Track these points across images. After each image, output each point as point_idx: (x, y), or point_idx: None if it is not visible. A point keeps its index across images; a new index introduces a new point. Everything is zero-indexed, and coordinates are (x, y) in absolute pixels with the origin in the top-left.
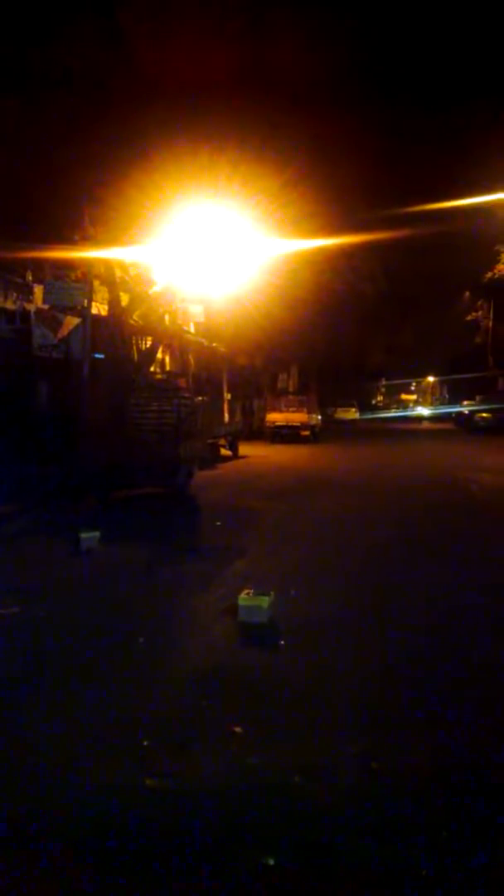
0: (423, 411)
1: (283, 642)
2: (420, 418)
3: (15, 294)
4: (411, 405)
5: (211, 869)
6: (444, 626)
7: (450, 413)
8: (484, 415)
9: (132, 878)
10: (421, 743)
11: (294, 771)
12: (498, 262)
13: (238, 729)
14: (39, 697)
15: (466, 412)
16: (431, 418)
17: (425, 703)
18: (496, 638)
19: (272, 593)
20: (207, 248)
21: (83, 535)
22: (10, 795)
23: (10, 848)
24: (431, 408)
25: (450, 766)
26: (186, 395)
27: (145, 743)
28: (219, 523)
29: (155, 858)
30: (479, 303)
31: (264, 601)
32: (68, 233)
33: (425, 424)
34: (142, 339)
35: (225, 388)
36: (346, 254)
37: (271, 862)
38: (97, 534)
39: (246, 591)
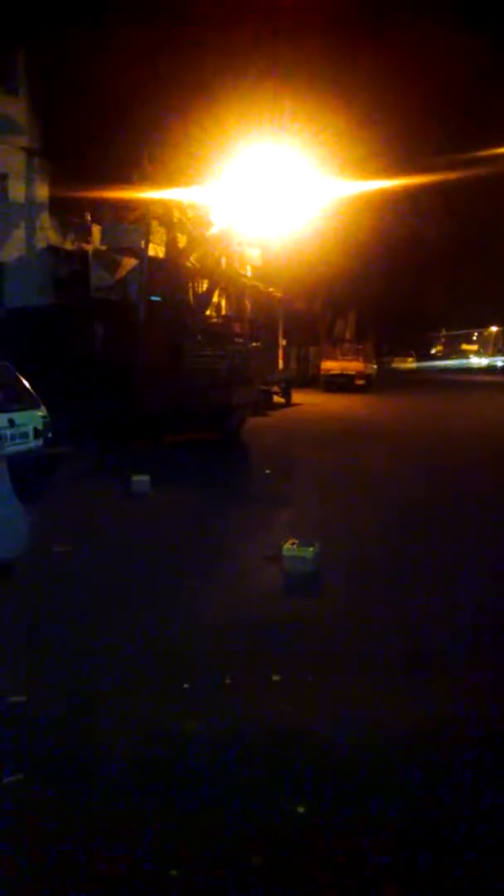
0: (482, 362)
1: (326, 592)
2: (478, 369)
3: (73, 235)
4: (472, 355)
5: (240, 809)
6: (483, 581)
7: None
8: None
9: (168, 812)
10: (458, 696)
11: (329, 719)
12: None
13: (276, 677)
14: (87, 635)
15: None
16: (491, 369)
17: (467, 653)
18: None
19: (316, 544)
20: (267, 190)
21: (135, 479)
22: (60, 727)
23: (60, 776)
24: (492, 358)
25: (488, 725)
26: (240, 340)
27: (185, 685)
28: (268, 471)
29: (185, 796)
30: None
31: (309, 552)
32: (127, 172)
33: (484, 376)
34: (198, 282)
35: (280, 333)
36: (410, 196)
37: (301, 810)
38: (147, 477)
39: (291, 541)
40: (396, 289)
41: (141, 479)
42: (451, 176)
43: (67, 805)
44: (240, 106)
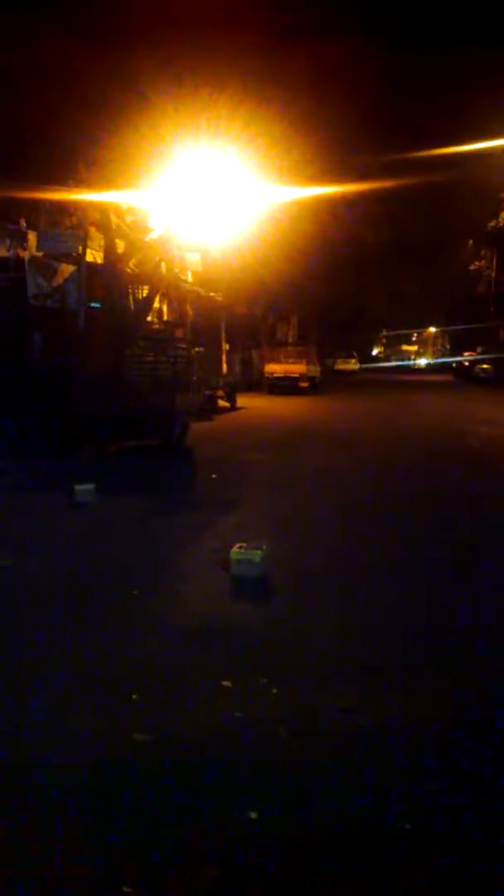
0: (423, 362)
1: (274, 595)
2: (419, 369)
3: (9, 241)
4: (412, 356)
5: (197, 822)
6: (432, 579)
7: (450, 364)
8: (484, 366)
9: (120, 830)
10: (408, 695)
11: (281, 725)
12: (502, 210)
13: (227, 683)
14: (30, 650)
15: (467, 363)
16: (431, 369)
17: (413, 655)
18: (479, 584)
19: (264, 547)
20: (205, 195)
21: (78, 488)
22: (3, 743)
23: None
24: (432, 358)
25: (437, 718)
26: (183, 345)
27: (134, 697)
28: (214, 476)
29: (143, 811)
30: (483, 252)
31: (257, 555)
32: (62, 176)
33: (424, 375)
34: (138, 288)
35: (223, 338)
36: (348, 200)
37: (253, 815)
38: (92, 486)
39: (239, 545)
40: (337, 291)
41: (85, 489)
42: (388, 181)
43: (8, 824)
44: (177, 110)
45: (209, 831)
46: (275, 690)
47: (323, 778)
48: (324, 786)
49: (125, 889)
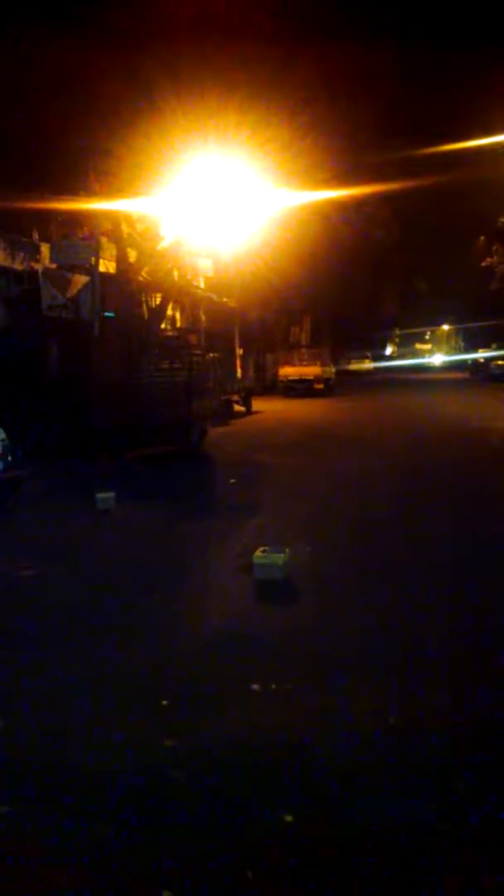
0: (437, 360)
1: (298, 599)
2: (433, 367)
3: (22, 254)
4: (427, 354)
5: (227, 825)
6: (454, 581)
7: (465, 361)
8: (500, 362)
9: (150, 832)
10: (433, 698)
11: (309, 728)
12: None
13: (255, 686)
14: (59, 657)
15: (482, 360)
16: (446, 367)
17: (436, 658)
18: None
19: (287, 551)
20: (216, 201)
21: (99, 496)
22: (36, 752)
23: (36, 801)
24: (446, 356)
25: (462, 722)
26: (198, 352)
27: (164, 702)
28: (233, 481)
29: (172, 814)
30: (494, 248)
31: (279, 559)
32: (73, 187)
33: (440, 374)
34: (151, 296)
35: (237, 343)
36: (358, 202)
37: (289, 818)
38: (113, 494)
39: (261, 549)
40: (349, 292)
41: (106, 497)
42: (397, 181)
43: (56, 830)
44: (185, 118)
45: (243, 833)
46: (302, 693)
47: (355, 778)
48: (356, 786)
49: (165, 893)
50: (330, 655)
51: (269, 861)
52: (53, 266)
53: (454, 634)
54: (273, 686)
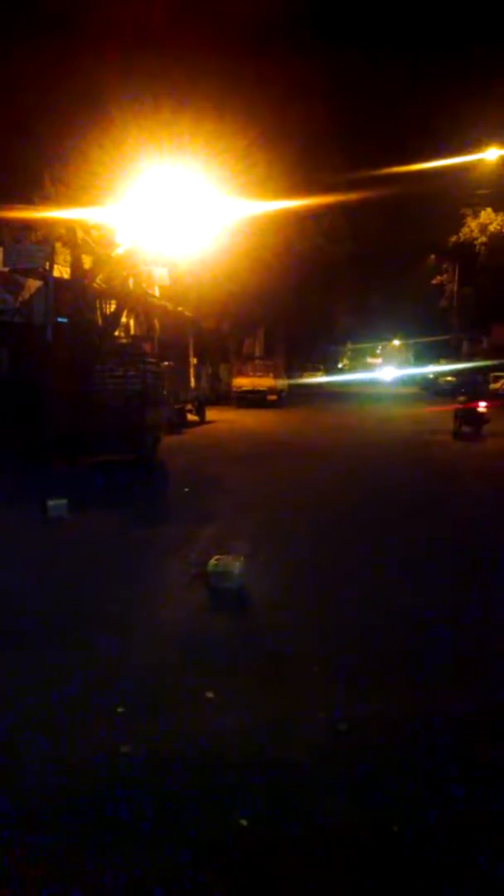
0: (387, 375)
1: (252, 607)
2: (384, 381)
3: None
4: (377, 368)
5: (186, 828)
6: (402, 583)
7: (415, 376)
8: (448, 378)
9: (111, 839)
10: (384, 702)
11: (264, 733)
12: (463, 225)
13: (210, 693)
14: (12, 665)
15: (431, 375)
16: (396, 381)
17: (388, 664)
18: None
19: (241, 559)
20: (172, 210)
21: (51, 503)
22: None
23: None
24: (396, 370)
25: (412, 726)
26: (152, 360)
27: (120, 709)
28: (187, 489)
29: (131, 820)
30: (445, 266)
31: (233, 567)
32: (28, 192)
33: (390, 388)
34: (106, 303)
35: (191, 352)
36: (313, 215)
37: (244, 823)
38: (65, 501)
39: (216, 558)
40: (303, 305)
41: (58, 503)
42: (353, 196)
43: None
44: (142, 127)
45: (197, 836)
46: (256, 698)
47: (308, 779)
48: (309, 787)
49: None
50: (283, 662)
51: (224, 859)
52: (5, 270)
53: (400, 639)
54: (227, 692)
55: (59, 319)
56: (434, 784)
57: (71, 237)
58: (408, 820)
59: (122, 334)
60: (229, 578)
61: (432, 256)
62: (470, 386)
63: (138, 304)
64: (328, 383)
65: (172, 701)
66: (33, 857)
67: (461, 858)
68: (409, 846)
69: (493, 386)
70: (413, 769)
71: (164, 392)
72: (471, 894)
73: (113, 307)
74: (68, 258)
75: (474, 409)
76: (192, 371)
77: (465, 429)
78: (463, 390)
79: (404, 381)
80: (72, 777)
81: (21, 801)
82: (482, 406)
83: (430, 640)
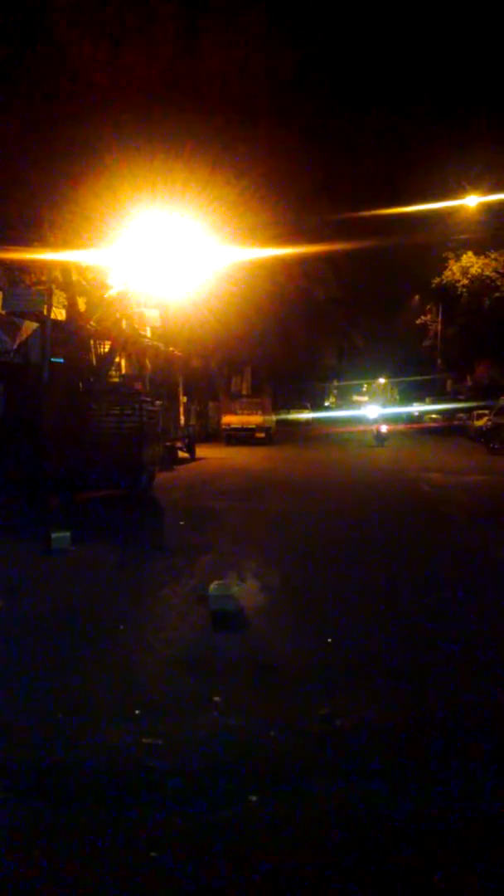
0: (372, 412)
1: (250, 626)
2: (369, 419)
3: None
4: (363, 406)
5: (202, 806)
6: (391, 605)
7: (400, 414)
8: (433, 416)
9: (136, 817)
10: (376, 703)
11: (269, 728)
12: (445, 268)
13: (217, 698)
14: (37, 680)
15: (416, 413)
16: (381, 419)
17: (379, 671)
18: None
19: (239, 584)
20: (164, 253)
21: (54, 535)
22: (30, 755)
23: (34, 795)
24: (381, 408)
25: (402, 720)
26: (147, 399)
27: (137, 712)
28: (182, 523)
29: (154, 801)
30: (428, 307)
31: (232, 590)
32: (26, 236)
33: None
34: (100, 344)
35: (181, 390)
36: (300, 259)
37: (254, 798)
38: (68, 534)
39: (215, 582)
40: (290, 344)
41: (61, 536)
42: (339, 242)
43: (61, 810)
44: (135, 173)
45: (212, 814)
46: (259, 703)
47: (307, 765)
48: (308, 773)
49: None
50: (282, 671)
51: (243, 832)
52: (3, 312)
53: (390, 652)
54: (232, 697)
55: (54, 360)
56: (422, 768)
57: (66, 280)
58: (397, 801)
59: (115, 373)
60: (229, 601)
61: (416, 297)
62: None
63: (130, 345)
64: (315, 420)
65: (183, 704)
66: (76, 820)
67: (446, 834)
68: (400, 823)
69: (477, 423)
70: (402, 756)
71: (159, 429)
72: (459, 867)
73: (107, 347)
74: (63, 300)
75: None
76: (181, 409)
77: None
78: None
79: (390, 419)
80: (101, 762)
81: (64, 779)
82: None
83: (419, 651)
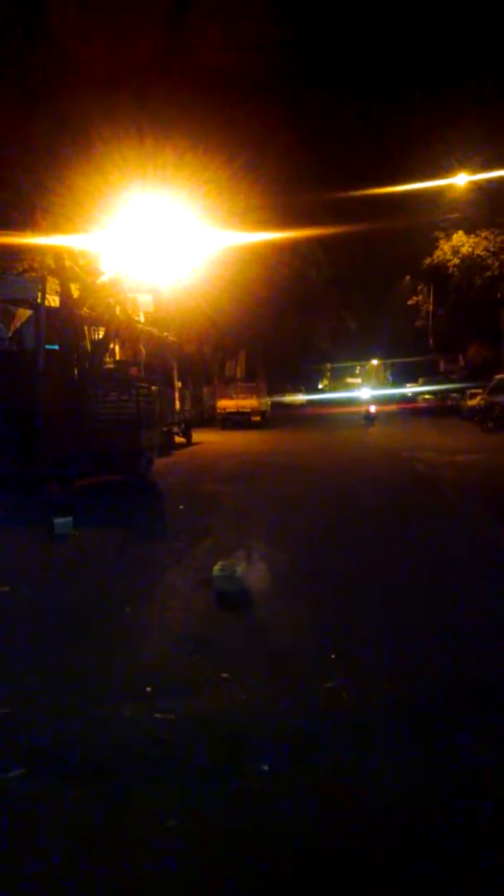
0: (365, 394)
1: (254, 606)
2: (362, 400)
3: None
4: (357, 388)
5: (215, 775)
6: (389, 584)
7: (394, 395)
8: (426, 396)
9: (149, 788)
10: (375, 676)
11: (277, 701)
12: (436, 248)
13: (225, 675)
14: (47, 661)
15: (410, 394)
16: (374, 400)
17: (381, 647)
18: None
19: (242, 564)
20: (156, 238)
21: (57, 521)
22: (48, 729)
23: (54, 768)
24: (374, 390)
25: (398, 694)
26: (144, 384)
27: (148, 689)
28: (182, 506)
29: (167, 772)
30: (420, 287)
31: (236, 571)
32: (18, 223)
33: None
34: (94, 330)
35: (175, 376)
36: (292, 241)
37: (265, 767)
38: (70, 519)
39: (219, 564)
40: (283, 327)
41: (64, 521)
42: (330, 223)
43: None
44: (126, 157)
45: (225, 783)
46: (264, 678)
47: (315, 735)
48: (315, 740)
49: (169, 823)
50: (287, 648)
51: (251, 797)
52: None
53: (387, 632)
54: (240, 674)
55: (48, 346)
56: (420, 737)
57: (59, 266)
58: (398, 765)
59: (109, 359)
60: (233, 581)
61: (408, 277)
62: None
63: (124, 330)
64: (309, 403)
65: (192, 681)
66: (102, 784)
67: (440, 799)
68: (396, 785)
69: (469, 402)
70: (402, 725)
71: (156, 415)
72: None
73: (101, 334)
74: (56, 287)
75: None
76: (177, 394)
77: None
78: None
79: (383, 400)
80: (116, 736)
81: (80, 753)
82: None
83: (417, 629)
